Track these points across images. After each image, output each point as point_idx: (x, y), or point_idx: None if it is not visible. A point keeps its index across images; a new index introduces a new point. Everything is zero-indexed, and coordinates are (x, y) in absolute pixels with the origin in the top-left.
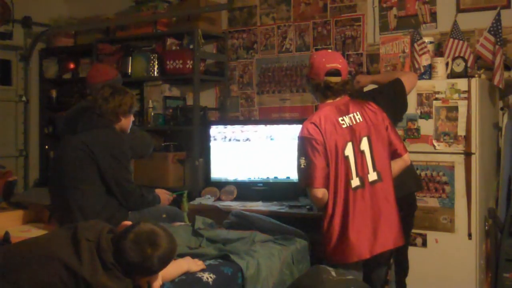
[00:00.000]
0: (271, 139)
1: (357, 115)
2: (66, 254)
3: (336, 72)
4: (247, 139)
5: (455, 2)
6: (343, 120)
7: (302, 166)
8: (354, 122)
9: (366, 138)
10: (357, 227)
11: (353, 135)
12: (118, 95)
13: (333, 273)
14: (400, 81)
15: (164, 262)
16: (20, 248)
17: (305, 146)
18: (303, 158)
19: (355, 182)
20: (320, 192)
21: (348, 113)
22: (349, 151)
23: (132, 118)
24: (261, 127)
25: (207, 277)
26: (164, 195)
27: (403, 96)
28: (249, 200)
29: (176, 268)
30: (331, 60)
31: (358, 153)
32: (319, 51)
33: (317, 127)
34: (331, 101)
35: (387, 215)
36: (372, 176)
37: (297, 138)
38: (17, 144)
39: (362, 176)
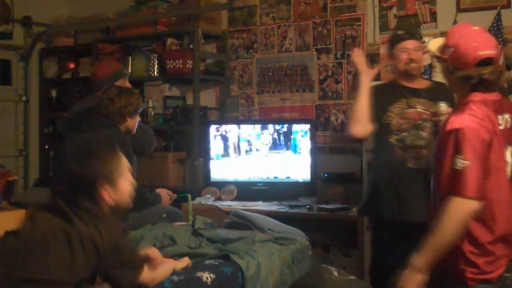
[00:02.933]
0: (271, 139)
1: (510, 118)
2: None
3: (489, 61)
4: (247, 139)
5: (455, 2)
6: (502, 119)
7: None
8: (508, 126)
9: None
10: None
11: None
12: (124, 95)
13: (335, 273)
14: None
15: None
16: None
17: (470, 142)
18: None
19: None
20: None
21: (502, 113)
22: (508, 156)
23: (138, 118)
24: (261, 127)
25: (207, 277)
26: (165, 195)
27: None
28: (249, 200)
29: (168, 269)
30: (484, 45)
31: None
32: (464, 28)
33: (481, 122)
34: (480, 95)
35: None
36: None
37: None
38: (17, 144)
39: None
